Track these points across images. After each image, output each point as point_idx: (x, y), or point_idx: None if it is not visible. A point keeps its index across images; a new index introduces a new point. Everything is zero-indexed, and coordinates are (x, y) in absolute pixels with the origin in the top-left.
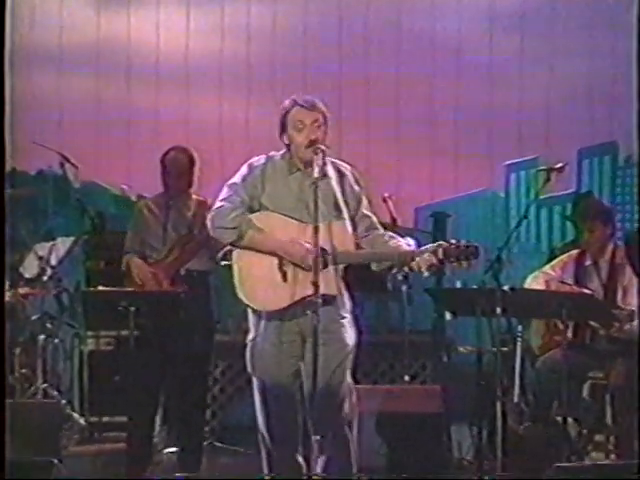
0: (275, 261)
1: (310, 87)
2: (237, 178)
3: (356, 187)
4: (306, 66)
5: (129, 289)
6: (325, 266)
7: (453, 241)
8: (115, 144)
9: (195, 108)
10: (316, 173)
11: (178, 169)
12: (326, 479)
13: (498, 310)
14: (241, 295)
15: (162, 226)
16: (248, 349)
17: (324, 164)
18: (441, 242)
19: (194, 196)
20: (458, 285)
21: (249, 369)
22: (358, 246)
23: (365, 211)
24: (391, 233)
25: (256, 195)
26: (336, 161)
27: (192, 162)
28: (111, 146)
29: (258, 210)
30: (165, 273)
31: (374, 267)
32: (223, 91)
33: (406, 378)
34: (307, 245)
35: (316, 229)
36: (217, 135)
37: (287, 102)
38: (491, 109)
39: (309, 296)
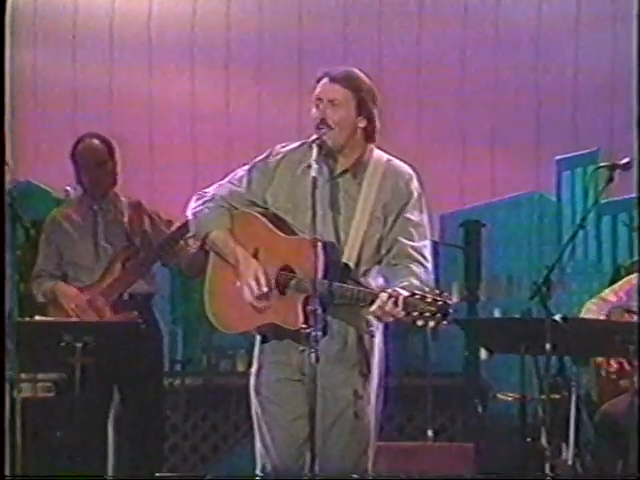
0: None
1: (306, 67)
2: (254, 161)
3: (398, 199)
4: (303, 38)
5: (75, 319)
6: (283, 292)
7: (419, 290)
8: (57, 134)
9: (159, 87)
10: (313, 172)
11: (96, 162)
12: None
13: (547, 346)
14: (207, 309)
15: (92, 238)
16: (251, 385)
17: (321, 156)
18: (414, 282)
19: (123, 198)
20: (496, 314)
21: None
22: (366, 272)
23: (399, 235)
24: (417, 269)
25: (262, 187)
26: (394, 161)
27: (111, 152)
28: (52, 137)
29: (261, 206)
30: (105, 299)
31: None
32: (195, 67)
33: (430, 433)
34: (259, 273)
35: (314, 241)
36: (188, 122)
37: (319, 73)
38: (538, 89)
39: (270, 324)
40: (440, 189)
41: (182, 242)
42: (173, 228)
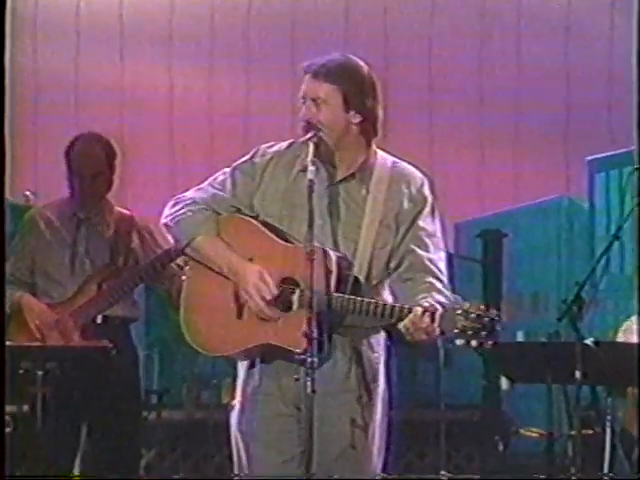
0: (231, 288)
1: (301, 55)
2: (236, 163)
3: (410, 206)
4: (296, 21)
5: (35, 344)
6: (289, 307)
7: (460, 305)
8: (15, 131)
9: (132, 78)
10: (310, 174)
11: (91, 173)
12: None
13: (577, 374)
14: (184, 329)
15: (70, 249)
16: (233, 422)
17: (316, 159)
18: (440, 299)
19: (116, 208)
20: (519, 338)
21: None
22: (376, 287)
23: (413, 245)
24: (437, 284)
25: (248, 192)
26: (400, 164)
27: (111, 156)
28: (10, 134)
29: (247, 214)
30: (75, 320)
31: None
32: (173, 56)
33: (443, 474)
34: (265, 275)
35: (311, 253)
36: (165, 116)
37: (304, 67)
38: (567, 82)
39: (265, 346)
40: (455, 194)
41: (174, 267)
42: (163, 250)
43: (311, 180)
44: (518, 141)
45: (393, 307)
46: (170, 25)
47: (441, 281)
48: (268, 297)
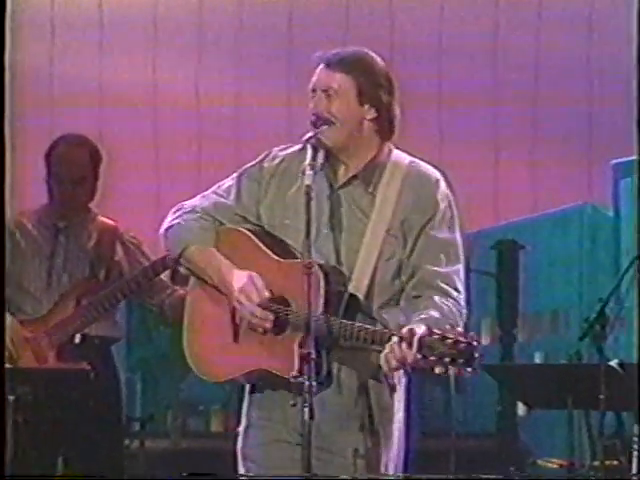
0: (229, 309)
1: (298, 50)
2: (244, 167)
3: (419, 213)
4: (293, 15)
5: (6, 366)
6: (281, 329)
7: (439, 326)
8: None
9: (113, 73)
10: (307, 180)
11: (74, 171)
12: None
13: (601, 399)
14: (187, 353)
15: (47, 261)
16: (238, 447)
17: (325, 159)
18: (423, 318)
19: (99, 217)
20: (537, 359)
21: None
22: (385, 306)
23: (422, 258)
24: (440, 300)
25: (254, 199)
26: (418, 163)
27: (95, 160)
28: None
29: (254, 222)
30: (50, 339)
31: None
32: (159, 50)
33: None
34: (255, 278)
35: (308, 267)
36: (150, 116)
37: (315, 59)
38: (589, 80)
39: (260, 371)
40: (467, 201)
41: (166, 280)
42: (149, 262)
43: (308, 186)
44: (536, 144)
45: (374, 332)
46: (155, 15)
47: (450, 297)
48: (256, 300)
